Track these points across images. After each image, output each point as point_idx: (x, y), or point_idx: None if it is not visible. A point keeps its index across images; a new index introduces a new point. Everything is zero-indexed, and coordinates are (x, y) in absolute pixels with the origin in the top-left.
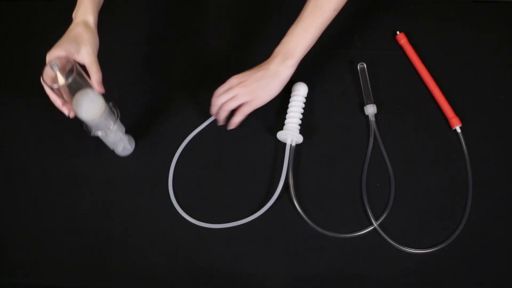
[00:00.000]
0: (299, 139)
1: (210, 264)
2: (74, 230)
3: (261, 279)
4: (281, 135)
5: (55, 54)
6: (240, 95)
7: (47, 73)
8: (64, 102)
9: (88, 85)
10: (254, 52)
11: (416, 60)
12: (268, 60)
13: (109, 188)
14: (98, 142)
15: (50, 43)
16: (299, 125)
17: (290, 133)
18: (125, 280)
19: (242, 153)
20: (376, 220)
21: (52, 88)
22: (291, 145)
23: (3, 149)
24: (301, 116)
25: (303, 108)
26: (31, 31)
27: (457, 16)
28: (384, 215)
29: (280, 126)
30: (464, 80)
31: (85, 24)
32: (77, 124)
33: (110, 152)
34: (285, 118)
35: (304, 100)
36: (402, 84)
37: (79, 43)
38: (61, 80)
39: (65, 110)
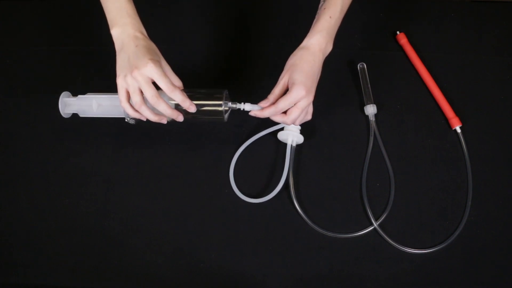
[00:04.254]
0: (300, 139)
1: (210, 264)
2: (74, 230)
3: (261, 279)
4: (281, 135)
5: (161, 69)
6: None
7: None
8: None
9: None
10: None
11: (416, 60)
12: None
13: (109, 188)
14: (98, 142)
15: (50, 43)
16: (300, 125)
17: (291, 134)
18: (125, 280)
19: (242, 153)
20: (376, 220)
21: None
22: (291, 145)
23: (3, 149)
24: None
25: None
26: (31, 31)
27: (456, 16)
28: (384, 215)
29: (281, 126)
30: (464, 80)
31: (145, 35)
32: (77, 123)
33: (110, 152)
34: None
35: None
36: (402, 84)
37: (158, 55)
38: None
39: (180, 117)
